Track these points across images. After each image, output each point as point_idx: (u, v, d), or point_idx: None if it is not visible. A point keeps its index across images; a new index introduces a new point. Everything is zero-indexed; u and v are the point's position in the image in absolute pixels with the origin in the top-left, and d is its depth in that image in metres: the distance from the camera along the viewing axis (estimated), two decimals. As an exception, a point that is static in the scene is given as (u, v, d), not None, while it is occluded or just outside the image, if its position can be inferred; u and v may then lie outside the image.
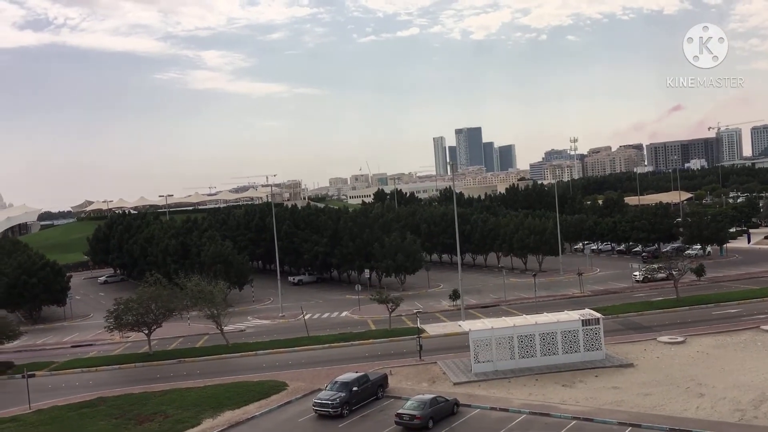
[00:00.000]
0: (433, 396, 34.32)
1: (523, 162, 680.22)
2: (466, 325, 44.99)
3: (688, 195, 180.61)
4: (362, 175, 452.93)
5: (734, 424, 30.32)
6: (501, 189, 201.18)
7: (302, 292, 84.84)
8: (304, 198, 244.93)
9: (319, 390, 38.24)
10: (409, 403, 33.70)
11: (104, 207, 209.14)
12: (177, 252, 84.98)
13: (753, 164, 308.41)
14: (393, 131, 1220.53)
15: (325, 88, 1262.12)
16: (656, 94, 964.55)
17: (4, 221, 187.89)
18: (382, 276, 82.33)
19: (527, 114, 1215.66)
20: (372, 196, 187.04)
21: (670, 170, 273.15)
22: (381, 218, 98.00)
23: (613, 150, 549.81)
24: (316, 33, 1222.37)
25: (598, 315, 43.61)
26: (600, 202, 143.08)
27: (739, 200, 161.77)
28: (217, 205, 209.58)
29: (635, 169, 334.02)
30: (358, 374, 38.13)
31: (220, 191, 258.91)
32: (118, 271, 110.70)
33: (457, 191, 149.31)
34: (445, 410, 33.90)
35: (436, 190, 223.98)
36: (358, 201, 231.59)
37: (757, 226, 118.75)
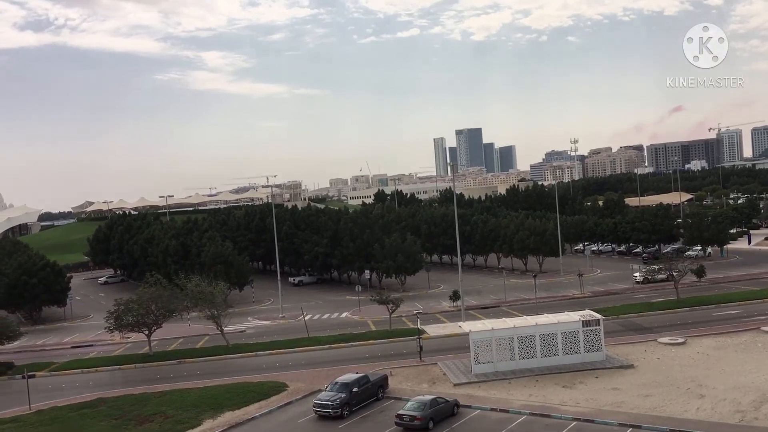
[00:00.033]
0: (433, 397, 34.33)
1: (524, 163, 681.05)
2: (467, 326, 44.97)
3: (689, 196, 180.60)
4: (362, 176, 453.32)
5: (735, 425, 30.29)
6: (501, 190, 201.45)
7: (302, 293, 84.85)
8: (305, 199, 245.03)
9: (320, 391, 38.21)
10: (409, 404, 33.71)
11: (104, 207, 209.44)
12: (177, 253, 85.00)
13: (753, 165, 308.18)
14: (393, 132, 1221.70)
15: (326, 89, 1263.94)
16: (657, 95, 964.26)
17: (5, 222, 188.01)
18: (383, 277, 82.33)
19: (528, 115, 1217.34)
20: (372, 197, 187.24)
21: (670, 171, 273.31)
22: (381, 219, 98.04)
23: (613, 151, 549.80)
24: (317, 34, 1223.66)
25: (599, 316, 43.61)
26: (600, 203, 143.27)
27: (739, 201, 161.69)
28: (217, 206, 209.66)
29: (636, 170, 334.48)
30: (359, 375, 38.12)
31: (221, 192, 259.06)
32: (119, 272, 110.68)
33: (458, 192, 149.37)
34: (445, 411, 33.90)
35: (437, 191, 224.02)
36: (359, 202, 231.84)
37: (757, 227, 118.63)
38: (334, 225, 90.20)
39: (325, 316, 68.86)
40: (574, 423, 31.98)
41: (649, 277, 71.16)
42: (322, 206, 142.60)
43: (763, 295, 60.48)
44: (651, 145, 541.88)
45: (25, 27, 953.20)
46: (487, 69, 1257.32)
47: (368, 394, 37.41)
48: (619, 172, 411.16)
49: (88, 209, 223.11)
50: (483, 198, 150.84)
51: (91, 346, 61.29)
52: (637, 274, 73.81)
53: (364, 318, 65.08)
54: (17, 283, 74.11)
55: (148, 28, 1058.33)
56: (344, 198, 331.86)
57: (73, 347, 61.24)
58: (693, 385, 36.37)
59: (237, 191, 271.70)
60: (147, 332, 53.87)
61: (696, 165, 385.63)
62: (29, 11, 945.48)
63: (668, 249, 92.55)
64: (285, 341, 55.37)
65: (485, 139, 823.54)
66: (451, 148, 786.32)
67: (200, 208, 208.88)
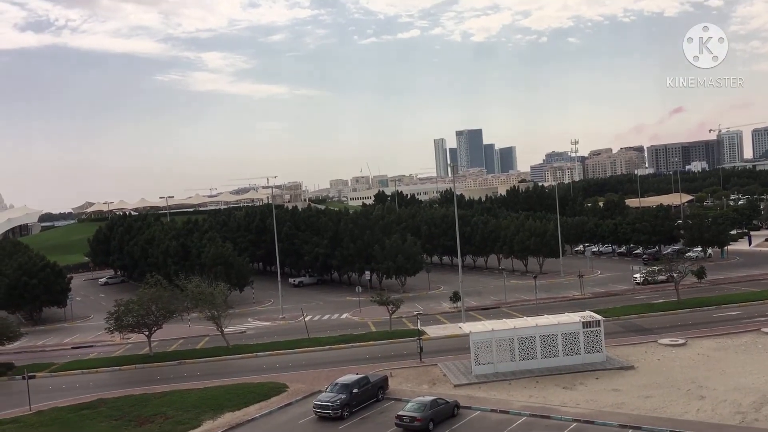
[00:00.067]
0: (433, 398, 34.31)
1: (524, 164, 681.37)
2: (467, 326, 44.94)
3: (689, 197, 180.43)
4: (363, 177, 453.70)
5: (735, 426, 30.28)
6: (502, 191, 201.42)
7: (302, 294, 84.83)
8: (305, 200, 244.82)
9: (320, 392, 38.19)
10: (409, 405, 33.70)
11: (105, 208, 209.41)
12: (177, 253, 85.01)
13: (754, 166, 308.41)
14: (394, 133, 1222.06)
15: (326, 90, 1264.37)
16: (657, 96, 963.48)
17: (5, 222, 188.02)
18: (383, 278, 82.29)
19: (528, 116, 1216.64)
20: (373, 198, 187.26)
21: (670, 172, 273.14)
22: (381, 220, 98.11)
23: (613, 152, 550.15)
24: (317, 35, 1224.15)
25: (599, 317, 43.61)
26: (601, 204, 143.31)
27: (740, 202, 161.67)
28: (217, 207, 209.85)
29: (636, 171, 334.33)
30: (359, 376, 38.09)
31: (221, 193, 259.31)
32: (119, 273, 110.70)
33: (458, 193, 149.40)
34: (445, 412, 33.88)
35: (437, 192, 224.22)
36: (359, 203, 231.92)
37: (758, 229, 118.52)
38: (335, 226, 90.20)
39: (326, 317, 68.85)
40: (575, 424, 31.96)
41: (650, 279, 71.16)
42: (322, 207, 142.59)
43: (763, 297, 60.42)
44: (651, 146, 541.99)
45: (26, 28, 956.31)
46: (487, 70, 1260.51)
47: (368, 395, 37.38)
48: (620, 173, 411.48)
49: (89, 210, 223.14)
50: (483, 199, 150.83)
51: (92, 346, 61.29)
52: (637, 275, 73.81)
53: (364, 319, 65.05)
54: (17, 284, 74.09)
55: (149, 29, 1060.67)
56: (344, 199, 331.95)
57: (73, 348, 61.23)
58: (693, 386, 36.35)
59: (237, 192, 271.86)
60: (147, 333, 53.85)
61: (696, 166, 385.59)
62: (30, 12, 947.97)
63: (669, 250, 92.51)
64: (285, 342, 55.36)
65: (485, 140, 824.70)
66: (451, 149, 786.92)
67: (200, 209, 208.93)
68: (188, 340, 60.53)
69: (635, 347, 46.04)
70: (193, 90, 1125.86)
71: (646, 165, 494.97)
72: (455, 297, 63.39)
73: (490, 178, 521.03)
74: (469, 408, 35.30)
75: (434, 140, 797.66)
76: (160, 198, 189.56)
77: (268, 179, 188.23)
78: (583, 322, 42.52)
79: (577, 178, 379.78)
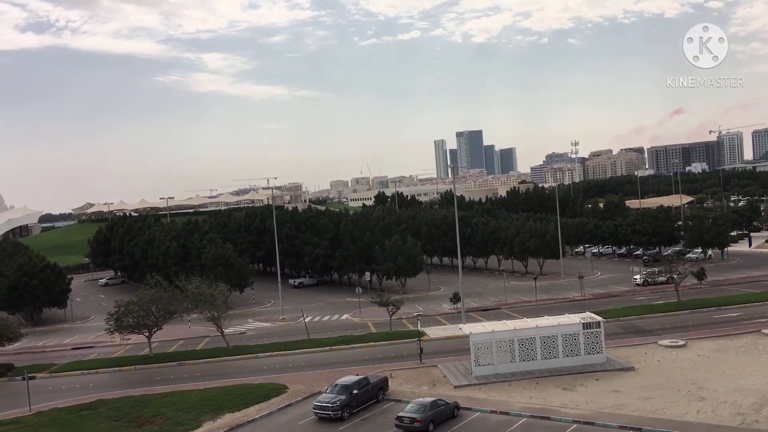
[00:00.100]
0: (433, 399, 34.30)
1: (524, 165, 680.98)
2: (467, 328, 44.94)
3: (689, 198, 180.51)
4: (363, 178, 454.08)
5: (735, 428, 30.26)
6: (502, 192, 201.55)
7: (303, 295, 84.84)
8: (305, 201, 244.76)
9: (320, 393, 38.17)
10: (409, 406, 33.68)
11: (105, 209, 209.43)
12: (178, 254, 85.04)
13: (754, 168, 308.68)
14: (394, 134, 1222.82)
15: (326, 91, 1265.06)
16: (657, 98, 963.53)
17: (5, 223, 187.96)
18: (383, 279, 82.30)
19: (528, 117, 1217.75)
20: (373, 199, 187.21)
21: (671, 173, 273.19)
22: (382, 221, 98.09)
23: (614, 153, 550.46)
24: (318, 36, 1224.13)
25: (599, 318, 43.60)
26: (601, 205, 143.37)
27: (740, 204, 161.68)
28: (217, 208, 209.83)
29: (636, 173, 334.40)
30: (359, 377, 38.09)
31: (221, 194, 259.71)
32: (119, 274, 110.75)
33: (458, 194, 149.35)
34: (445, 413, 33.87)
35: (437, 193, 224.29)
36: (359, 204, 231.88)
37: (758, 230, 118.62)
38: (335, 227, 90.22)
39: (326, 318, 68.85)
40: (575, 425, 31.95)
41: (650, 280, 71.11)
42: (322, 208, 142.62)
43: (763, 298, 60.38)
44: (651, 147, 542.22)
45: (27, 29, 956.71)
46: (487, 71, 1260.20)
47: (368, 396, 37.37)
48: (620, 174, 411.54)
49: (89, 211, 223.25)
50: (483, 200, 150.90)
51: (92, 347, 61.30)
52: (637, 276, 73.81)
53: (364, 320, 65.04)
54: (18, 285, 74.10)
55: (149, 30, 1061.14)
56: (345, 200, 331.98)
57: (73, 349, 61.23)
58: (693, 387, 36.34)
59: (237, 193, 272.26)
60: (147, 334, 53.84)
61: (697, 167, 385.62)
62: (30, 13, 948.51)
63: (669, 251, 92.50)
64: (285, 343, 55.37)
65: (486, 141, 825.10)
66: (451, 150, 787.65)
67: (201, 209, 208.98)
68: (188, 341, 60.52)
69: (635, 348, 46.02)
70: (193, 91, 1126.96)
71: (647, 166, 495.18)
72: (455, 298, 63.38)
73: (491, 179, 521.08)
74: (469, 409, 35.29)
75: (434, 141, 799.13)
76: (161, 199, 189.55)
77: (268, 180, 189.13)
78: (583, 324, 42.52)
79: (577, 180, 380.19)
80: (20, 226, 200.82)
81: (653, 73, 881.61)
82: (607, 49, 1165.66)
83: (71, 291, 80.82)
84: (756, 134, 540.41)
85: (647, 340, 48.49)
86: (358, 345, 53.35)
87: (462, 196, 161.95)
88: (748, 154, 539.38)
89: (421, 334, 50.61)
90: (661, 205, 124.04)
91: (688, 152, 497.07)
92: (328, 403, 35.43)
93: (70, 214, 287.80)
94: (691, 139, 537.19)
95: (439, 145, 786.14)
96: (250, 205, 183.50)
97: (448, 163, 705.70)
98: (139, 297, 54.24)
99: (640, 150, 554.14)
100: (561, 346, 41.97)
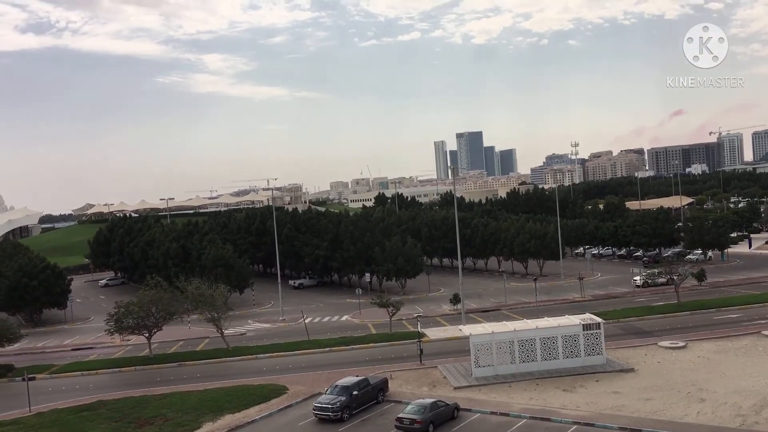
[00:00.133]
0: (433, 400, 34.30)
1: (524, 166, 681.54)
2: (467, 329, 44.95)
3: (689, 200, 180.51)
4: (363, 179, 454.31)
5: (735, 429, 30.26)
6: (502, 193, 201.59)
7: (303, 296, 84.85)
8: (305, 202, 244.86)
9: (320, 394, 38.17)
10: (409, 407, 33.68)
11: (105, 210, 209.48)
12: (178, 255, 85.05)
13: (754, 169, 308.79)
14: (394, 135, 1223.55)
15: (327, 92, 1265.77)
16: (657, 99, 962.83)
17: (6, 224, 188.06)
18: (383, 280, 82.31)
19: (528, 118, 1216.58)
20: (373, 200, 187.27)
21: (671, 175, 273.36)
22: (382, 222, 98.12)
23: (614, 154, 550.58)
24: (318, 37, 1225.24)
25: (599, 320, 43.59)
26: (601, 206, 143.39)
27: (740, 205, 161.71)
28: (218, 209, 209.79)
29: (636, 174, 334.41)
30: (359, 378, 38.10)
31: (221, 195, 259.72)
32: (119, 274, 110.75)
33: (458, 195, 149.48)
34: (445, 414, 33.87)
35: (437, 194, 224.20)
36: (359, 205, 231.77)
37: (758, 231, 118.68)
38: (335, 228, 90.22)
39: (326, 319, 68.85)
40: (575, 427, 31.95)
41: (650, 281, 71.16)
42: (322, 209, 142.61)
43: (763, 299, 60.39)
44: (652, 148, 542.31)
45: (27, 30, 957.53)
46: (487, 72, 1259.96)
47: (368, 397, 37.37)
48: (620, 175, 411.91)
49: (89, 212, 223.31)
50: (483, 201, 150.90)
51: (92, 348, 61.29)
52: (637, 277, 73.87)
53: (364, 321, 65.04)
54: (18, 286, 74.11)
55: (150, 31, 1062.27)
56: (345, 201, 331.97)
57: (73, 350, 61.23)
58: (693, 389, 36.34)
59: (237, 194, 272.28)
60: (147, 335, 53.84)
61: (697, 169, 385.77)
62: (31, 14, 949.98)
63: (669, 253, 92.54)
64: (285, 344, 55.37)
65: (486, 143, 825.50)
66: (451, 151, 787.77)
67: (201, 210, 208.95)
68: (188, 342, 60.52)
69: (635, 350, 46.02)
70: (193, 92, 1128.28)
71: (647, 167, 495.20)
72: (455, 299, 63.40)
73: (491, 180, 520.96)
74: (469, 410, 35.29)
75: (434, 142, 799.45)
76: (161, 200, 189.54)
77: (268, 181, 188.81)
78: (583, 325, 42.53)
79: (577, 181, 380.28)
80: (20, 227, 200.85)
81: (653, 75, 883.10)
82: (607, 50, 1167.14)
83: (71, 292, 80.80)
84: (756, 135, 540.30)
85: (647, 341, 48.48)
86: (358, 346, 53.35)
87: (462, 198, 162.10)
88: (748, 155, 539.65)
89: (421, 335, 50.59)
90: (661, 207, 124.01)
91: (688, 153, 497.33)
92: (328, 404, 35.42)
93: (70, 215, 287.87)
94: (691, 141, 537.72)
95: (439, 146, 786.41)
96: (250, 206, 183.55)
97: (448, 164, 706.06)
98: (139, 298, 54.23)
99: (640, 151, 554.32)
100: (561, 347, 41.97)
